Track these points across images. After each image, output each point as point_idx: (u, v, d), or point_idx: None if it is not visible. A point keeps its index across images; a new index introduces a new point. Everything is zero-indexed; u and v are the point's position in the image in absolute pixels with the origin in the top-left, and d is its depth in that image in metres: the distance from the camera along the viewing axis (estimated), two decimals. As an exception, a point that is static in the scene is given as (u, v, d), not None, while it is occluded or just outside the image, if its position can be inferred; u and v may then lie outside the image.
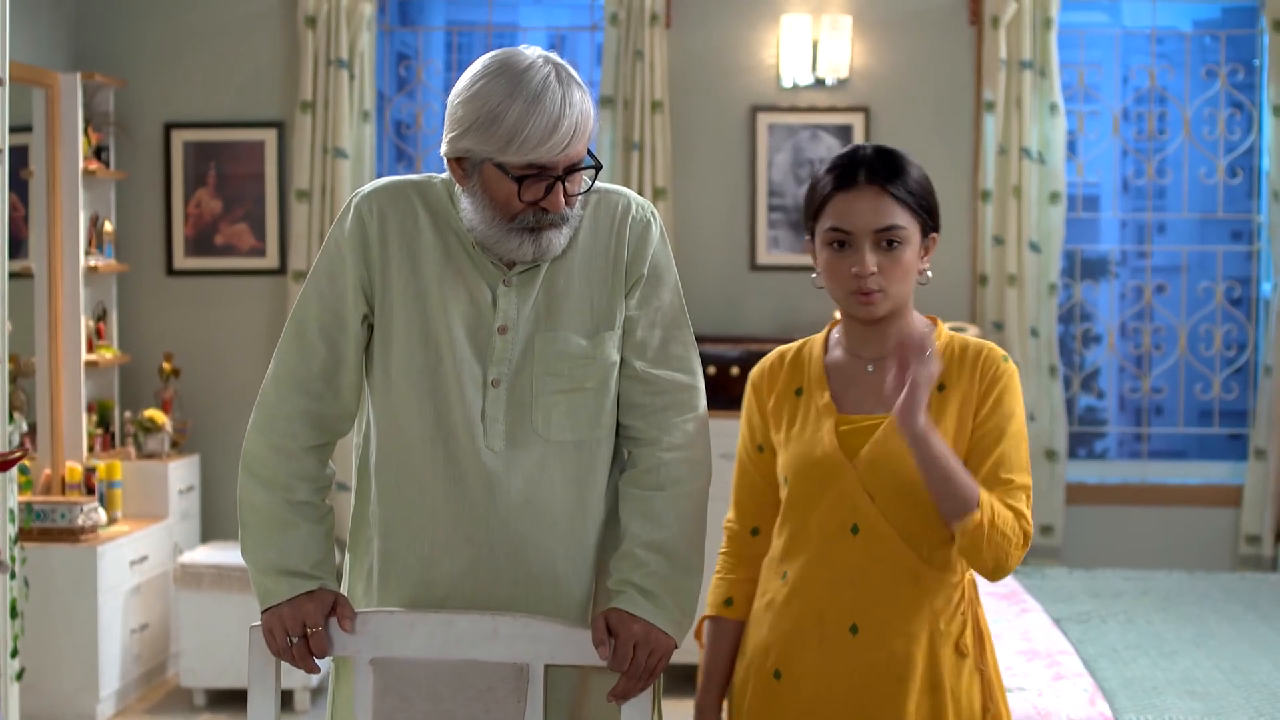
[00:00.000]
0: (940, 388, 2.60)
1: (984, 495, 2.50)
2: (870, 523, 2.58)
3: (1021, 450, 2.59)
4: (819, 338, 2.75)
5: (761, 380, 2.76)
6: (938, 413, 2.58)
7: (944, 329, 2.68)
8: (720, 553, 2.80)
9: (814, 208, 2.64)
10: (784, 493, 2.68)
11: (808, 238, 2.68)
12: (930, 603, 2.58)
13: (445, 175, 2.72)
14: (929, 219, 2.62)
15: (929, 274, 2.66)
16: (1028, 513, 2.55)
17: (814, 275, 2.67)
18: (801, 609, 2.62)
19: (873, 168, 2.58)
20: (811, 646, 2.61)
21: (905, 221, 2.57)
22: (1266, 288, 6.65)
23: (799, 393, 2.69)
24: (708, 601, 2.78)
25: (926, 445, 2.47)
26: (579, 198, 2.65)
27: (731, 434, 5.57)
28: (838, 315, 2.74)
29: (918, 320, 2.68)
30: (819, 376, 2.68)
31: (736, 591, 2.74)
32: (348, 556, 2.84)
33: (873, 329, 2.65)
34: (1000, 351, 2.64)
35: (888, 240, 2.57)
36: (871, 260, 2.56)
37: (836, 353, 2.70)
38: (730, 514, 2.80)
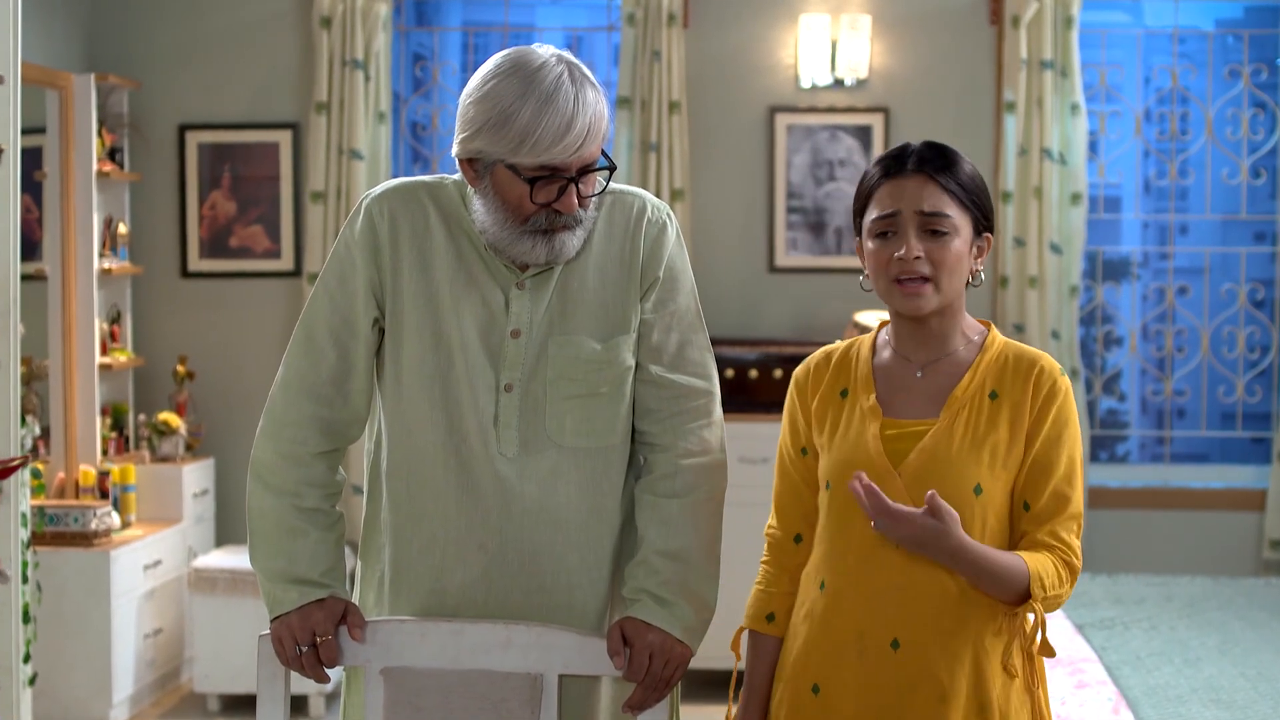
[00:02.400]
0: (993, 395, 2.51)
1: (1032, 569, 2.42)
2: None
3: (1076, 476, 2.50)
4: (868, 338, 2.65)
5: (806, 380, 2.66)
6: (989, 422, 2.49)
7: (997, 335, 2.59)
8: (762, 561, 2.68)
9: (861, 201, 2.57)
10: (824, 498, 2.58)
11: (857, 239, 2.60)
12: (975, 618, 2.47)
13: (457, 176, 2.67)
14: (981, 216, 2.54)
15: (982, 276, 2.57)
16: (1076, 544, 2.48)
17: (862, 277, 2.59)
18: (841, 622, 2.52)
19: (922, 157, 2.52)
20: (851, 661, 2.50)
21: (953, 212, 2.49)
22: (1290, 289, 6.60)
23: (844, 394, 2.59)
24: (747, 613, 2.67)
25: (967, 557, 2.40)
26: (593, 199, 2.60)
27: (750, 437, 5.62)
28: (886, 317, 2.66)
29: (970, 324, 2.59)
30: (866, 378, 2.59)
31: (779, 606, 2.64)
32: (359, 563, 2.80)
33: (922, 331, 2.56)
34: (1057, 365, 2.54)
35: (934, 229, 2.48)
36: (917, 245, 2.48)
37: (885, 354, 2.61)
38: (772, 520, 2.69)
